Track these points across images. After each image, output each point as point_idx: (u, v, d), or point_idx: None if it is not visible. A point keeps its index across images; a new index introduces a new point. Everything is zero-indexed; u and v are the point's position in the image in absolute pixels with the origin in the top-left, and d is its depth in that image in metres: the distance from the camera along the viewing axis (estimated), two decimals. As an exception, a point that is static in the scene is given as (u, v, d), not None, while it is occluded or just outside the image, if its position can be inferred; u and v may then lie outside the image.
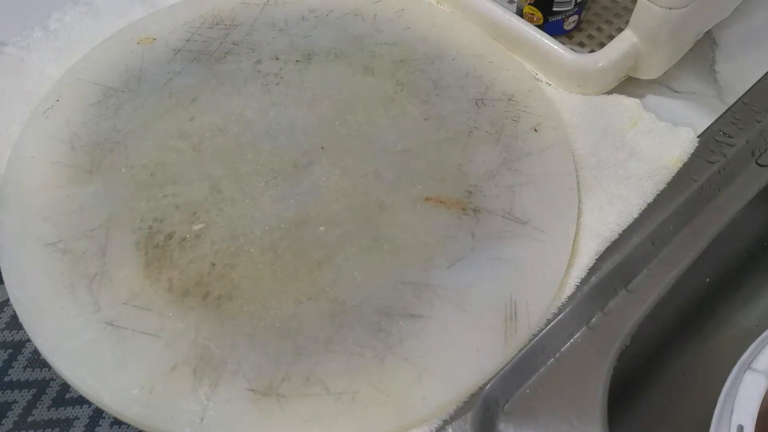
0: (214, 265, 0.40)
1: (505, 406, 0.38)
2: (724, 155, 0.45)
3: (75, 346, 0.37)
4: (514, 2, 0.52)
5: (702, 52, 0.50)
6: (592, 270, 0.40)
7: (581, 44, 0.51)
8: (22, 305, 0.39)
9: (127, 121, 0.46)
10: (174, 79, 0.48)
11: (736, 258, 0.53)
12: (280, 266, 0.40)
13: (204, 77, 0.48)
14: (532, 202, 0.42)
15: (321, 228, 0.41)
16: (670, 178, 0.44)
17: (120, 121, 0.46)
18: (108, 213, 0.42)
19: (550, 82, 0.48)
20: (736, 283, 0.54)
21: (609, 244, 0.41)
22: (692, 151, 0.45)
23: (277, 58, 0.49)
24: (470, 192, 0.43)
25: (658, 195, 0.43)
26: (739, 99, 0.48)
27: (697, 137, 0.45)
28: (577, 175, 0.43)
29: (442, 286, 0.39)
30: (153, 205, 0.42)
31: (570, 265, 0.40)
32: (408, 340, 0.37)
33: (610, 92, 0.47)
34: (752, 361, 0.40)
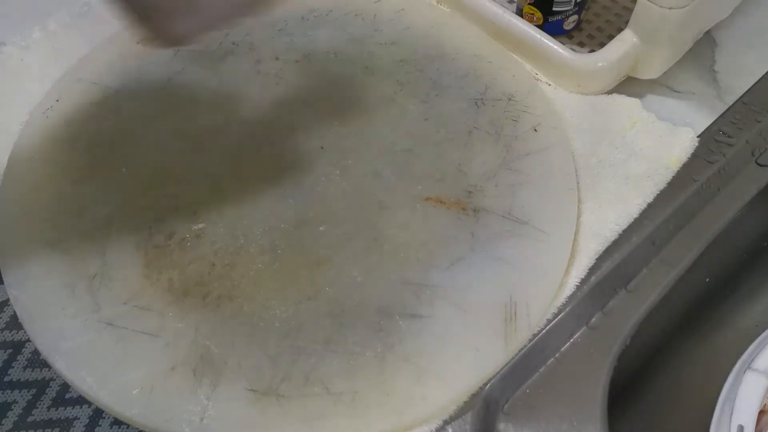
0: (214, 265, 0.40)
1: (505, 406, 0.38)
2: (724, 155, 0.45)
3: (75, 346, 0.37)
4: (514, 2, 0.52)
5: (702, 52, 0.50)
6: (592, 270, 0.40)
7: (581, 44, 0.51)
8: (22, 305, 0.39)
9: (127, 121, 0.46)
10: (174, 79, 0.48)
11: (736, 258, 0.53)
12: (280, 266, 0.40)
13: (204, 77, 0.48)
14: (532, 202, 0.42)
15: (321, 228, 0.41)
16: (670, 178, 0.44)
17: (120, 121, 0.46)
18: (108, 213, 0.42)
19: (550, 82, 0.48)
20: (735, 283, 0.54)
21: (609, 244, 0.41)
22: (692, 151, 0.45)
23: (277, 58, 0.49)
24: (470, 192, 0.43)
25: (658, 195, 0.43)
26: (739, 99, 0.48)
27: (697, 137, 0.45)
28: (577, 175, 0.43)
29: (442, 286, 0.39)
30: (153, 205, 0.42)
31: (570, 265, 0.40)
32: (408, 340, 0.37)
33: (610, 92, 0.47)
34: (752, 361, 0.40)
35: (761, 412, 0.38)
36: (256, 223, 0.41)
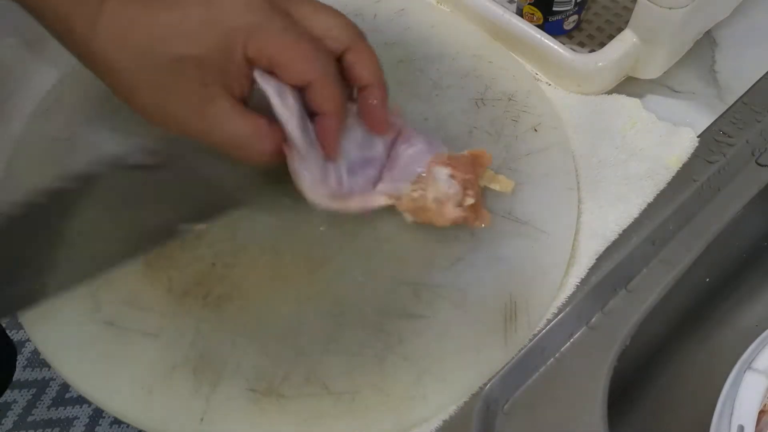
0: (214, 265, 0.40)
1: (505, 406, 0.38)
2: (724, 155, 0.45)
3: (75, 345, 0.37)
4: (514, 2, 0.52)
5: (702, 52, 0.50)
6: (592, 270, 0.40)
7: (581, 44, 0.51)
8: (22, 305, 0.39)
9: (128, 121, 0.46)
10: (174, 79, 0.48)
11: (736, 258, 0.53)
12: (280, 266, 0.40)
13: (204, 77, 0.48)
14: (532, 202, 0.42)
15: (321, 228, 0.41)
16: (670, 178, 0.44)
17: (120, 121, 0.46)
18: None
19: (550, 82, 0.48)
20: (735, 283, 0.54)
21: (609, 244, 0.41)
22: (692, 151, 0.45)
23: (277, 58, 0.49)
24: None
25: (658, 195, 0.43)
26: (739, 99, 0.48)
27: (697, 137, 0.45)
28: (577, 175, 0.43)
29: (442, 286, 0.39)
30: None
31: (570, 265, 0.40)
32: (408, 340, 0.37)
33: (610, 92, 0.47)
34: (752, 361, 0.40)
35: (761, 412, 0.38)
36: (256, 223, 0.41)
